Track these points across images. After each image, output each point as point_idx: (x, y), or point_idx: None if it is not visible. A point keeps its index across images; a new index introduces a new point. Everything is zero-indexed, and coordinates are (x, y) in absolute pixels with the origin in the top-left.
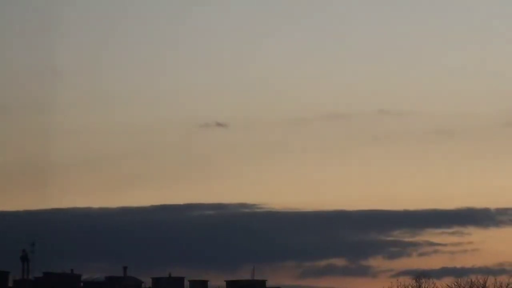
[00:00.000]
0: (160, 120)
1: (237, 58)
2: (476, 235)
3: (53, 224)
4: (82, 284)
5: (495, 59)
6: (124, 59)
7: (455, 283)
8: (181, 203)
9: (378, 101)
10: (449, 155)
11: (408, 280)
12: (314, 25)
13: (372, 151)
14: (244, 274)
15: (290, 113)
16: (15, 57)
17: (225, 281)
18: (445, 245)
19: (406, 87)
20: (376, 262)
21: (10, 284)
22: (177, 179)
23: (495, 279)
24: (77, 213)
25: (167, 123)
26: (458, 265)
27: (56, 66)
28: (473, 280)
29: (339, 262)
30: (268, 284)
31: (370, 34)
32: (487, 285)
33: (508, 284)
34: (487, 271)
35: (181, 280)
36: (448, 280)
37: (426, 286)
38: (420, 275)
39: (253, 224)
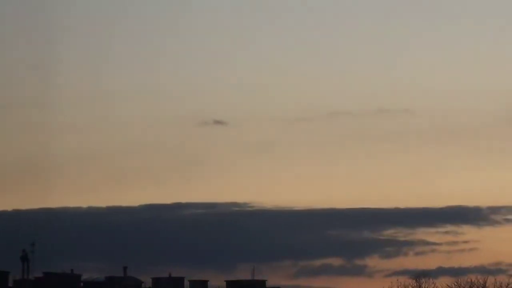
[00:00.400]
0: (157, 117)
1: (235, 55)
2: (469, 234)
3: (43, 223)
4: (82, 284)
5: (490, 59)
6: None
7: (455, 283)
8: (171, 202)
9: (376, 100)
10: (438, 153)
11: (408, 280)
12: (313, 23)
13: (365, 150)
14: (239, 273)
15: (285, 112)
16: (12, 53)
17: (225, 281)
18: (440, 244)
19: (402, 86)
20: (371, 262)
21: (10, 284)
22: (167, 178)
23: (495, 279)
24: (68, 213)
25: (164, 121)
26: (455, 264)
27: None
28: (473, 280)
29: (334, 261)
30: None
31: (370, 32)
32: (487, 285)
33: (508, 284)
34: (483, 270)
35: (181, 280)
36: (443, 280)
37: (426, 286)
38: (419, 275)
39: (245, 223)
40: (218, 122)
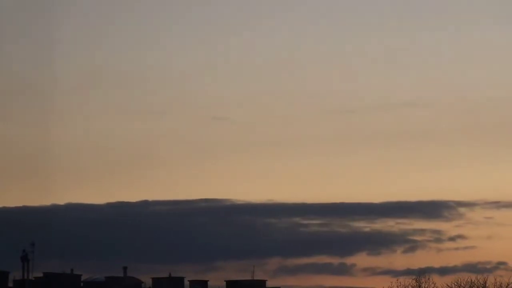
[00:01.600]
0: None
1: (229, 52)
2: (454, 231)
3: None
4: (82, 284)
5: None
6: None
7: (455, 283)
8: (137, 200)
9: (355, 97)
10: (412, 149)
11: (408, 280)
12: (310, 21)
13: (341, 146)
14: (222, 273)
15: (266, 110)
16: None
17: (225, 281)
18: (426, 242)
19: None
20: (355, 260)
21: (10, 284)
22: (134, 175)
23: (495, 279)
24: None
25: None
26: (443, 263)
27: None
28: (473, 279)
29: (316, 259)
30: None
31: (371, 30)
32: (487, 284)
33: (508, 284)
34: (473, 268)
35: (181, 280)
36: (436, 279)
37: (426, 286)
38: (420, 274)
39: (220, 221)
40: (217, 118)
